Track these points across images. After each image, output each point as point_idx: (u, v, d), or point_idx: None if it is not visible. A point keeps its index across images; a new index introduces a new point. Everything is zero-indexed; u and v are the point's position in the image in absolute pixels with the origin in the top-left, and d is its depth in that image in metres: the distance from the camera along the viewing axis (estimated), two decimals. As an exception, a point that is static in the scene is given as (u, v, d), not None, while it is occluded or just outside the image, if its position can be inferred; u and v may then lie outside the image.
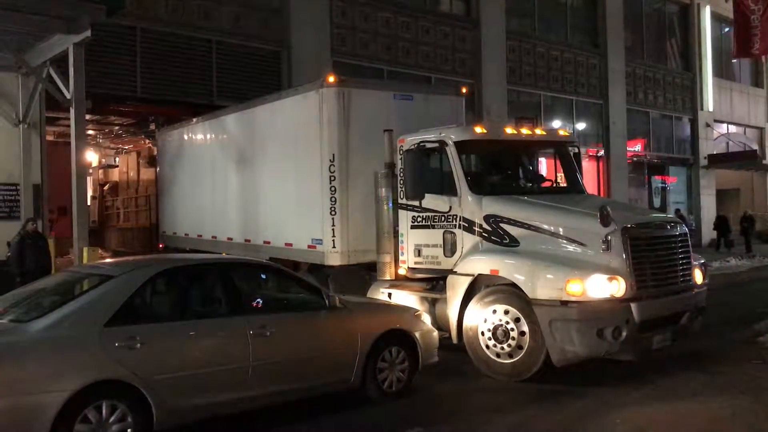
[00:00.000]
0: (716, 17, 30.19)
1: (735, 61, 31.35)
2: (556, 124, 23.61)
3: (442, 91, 12.06)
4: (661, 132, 28.54)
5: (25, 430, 5.07)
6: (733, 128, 32.13)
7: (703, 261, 8.76)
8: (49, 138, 15.74)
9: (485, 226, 8.35)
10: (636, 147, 27.08)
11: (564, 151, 9.85)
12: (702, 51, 29.42)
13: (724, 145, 31.32)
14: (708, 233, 28.92)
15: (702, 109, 29.46)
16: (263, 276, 7.72)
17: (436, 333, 7.92)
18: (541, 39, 23.45)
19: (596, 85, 25.08)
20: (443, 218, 8.74)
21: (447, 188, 8.70)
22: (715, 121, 30.30)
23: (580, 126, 24.92)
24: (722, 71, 31.23)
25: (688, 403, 7.01)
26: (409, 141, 9.03)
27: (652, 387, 7.51)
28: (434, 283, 9.07)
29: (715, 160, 29.66)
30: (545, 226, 8.02)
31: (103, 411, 5.33)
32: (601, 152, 25.35)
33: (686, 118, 29.36)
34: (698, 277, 8.41)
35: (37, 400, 5.09)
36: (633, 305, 7.43)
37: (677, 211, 25.96)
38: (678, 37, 29.34)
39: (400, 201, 9.17)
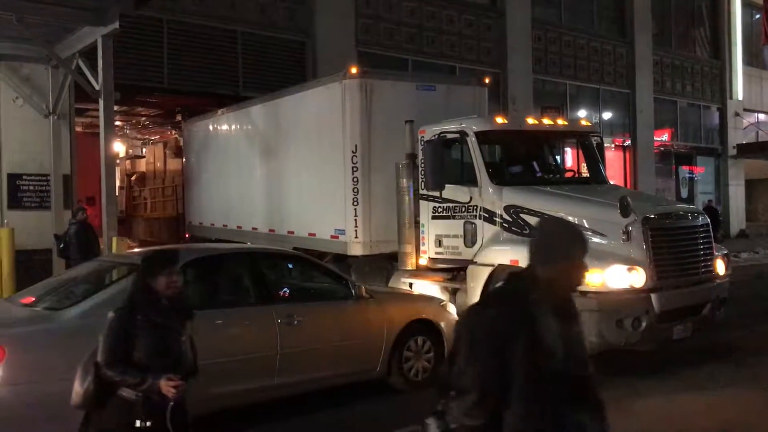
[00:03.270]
0: (747, 4, 29.64)
1: (766, 48, 30.76)
2: (582, 113, 23.47)
3: (465, 81, 12.04)
4: (689, 121, 28.18)
5: (60, 416, 5.10)
6: (763, 117, 31.59)
7: (725, 252, 8.72)
8: (78, 129, 16.00)
9: (505, 216, 8.38)
10: (663, 137, 26.78)
11: (586, 141, 9.82)
12: (732, 39, 28.93)
13: (753, 134, 30.84)
14: (737, 224, 28.58)
15: (731, 97, 29.01)
16: (290, 266, 7.80)
17: None
18: (567, 28, 23.27)
19: (623, 74, 24.84)
20: (464, 209, 8.79)
21: (467, 179, 8.75)
22: (745, 110, 29.81)
23: (607, 115, 24.72)
24: (752, 59, 30.71)
25: (715, 394, 6.99)
26: (430, 131, 9.08)
27: (679, 378, 7.50)
28: (455, 273, 9.13)
29: (745, 150, 29.20)
30: (565, 217, 8.00)
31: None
32: (628, 142, 25.14)
33: (714, 107, 28.95)
34: (720, 267, 8.37)
35: (71, 386, 5.22)
36: (653, 296, 7.43)
37: (709, 201, 25.58)
38: (707, 24, 28.90)
39: (421, 191, 9.24)
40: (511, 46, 21.16)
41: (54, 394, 5.12)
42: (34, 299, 6.19)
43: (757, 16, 29.83)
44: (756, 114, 31.00)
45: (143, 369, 3.57)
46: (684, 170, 28.13)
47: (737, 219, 28.76)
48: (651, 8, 25.59)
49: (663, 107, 26.55)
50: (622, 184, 24.32)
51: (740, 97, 29.27)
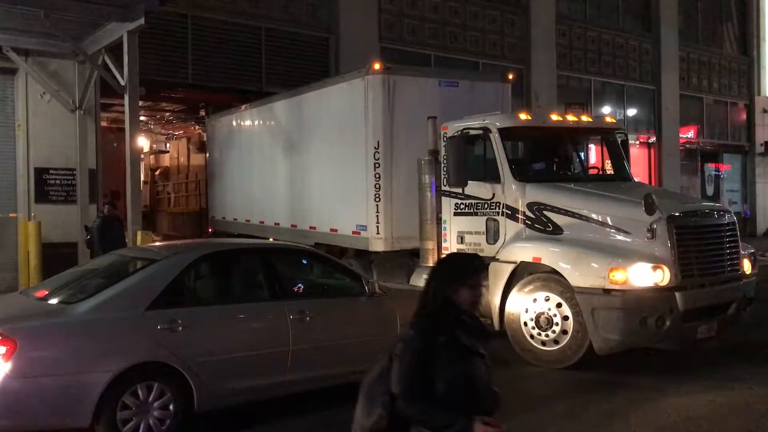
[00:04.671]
0: (776, -1, 29.18)
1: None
2: (607, 110, 23.26)
3: (488, 77, 11.98)
4: (715, 118, 27.78)
5: (71, 409, 5.24)
6: (792, 114, 31.09)
7: (752, 250, 8.61)
8: (103, 124, 16.16)
9: (528, 213, 8.35)
10: (689, 133, 26.43)
11: (610, 139, 9.74)
12: (761, 34, 28.44)
13: (782, 131, 30.35)
14: (764, 223, 28.15)
15: (759, 94, 28.54)
16: (304, 261, 7.75)
17: None
18: (592, 23, 23.05)
19: (648, 70, 24.55)
20: (486, 205, 8.76)
21: (490, 175, 8.71)
22: (773, 106, 29.37)
23: (631, 112, 24.48)
24: (782, 55, 30.20)
25: (743, 395, 6.89)
26: (453, 128, 9.06)
27: (706, 378, 7.41)
28: (477, 269, 9.08)
29: (772, 148, 28.79)
30: (589, 215, 7.98)
31: (146, 392, 5.49)
32: (653, 139, 24.85)
33: (742, 103, 28.49)
34: (747, 266, 8.27)
35: (83, 380, 5.27)
36: (677, 294, 7.37)
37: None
38: (735, 20, 28.44)
39: (443, 188, 9.22)
40: (535, 42, 21.01)
41: (64, 387, 5.22)
42: (47, 293, 6.21)
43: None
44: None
45: (446, 403, 2.89)
46: (710, 168, 27.74)
47: (764, 217, 28.32)
48: (678, 3, 25.27)
49: (689, 104, 26.20)
50: (646, 181, 24.06)
51: (768, 94, 28.85)
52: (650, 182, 24.10)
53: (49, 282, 6.69)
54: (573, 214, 8.05)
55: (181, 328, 5.71)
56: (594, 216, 7.96)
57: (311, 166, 12.03)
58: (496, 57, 20.33)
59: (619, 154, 9.65)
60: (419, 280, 9.66)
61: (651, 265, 7.30)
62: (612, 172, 9.72)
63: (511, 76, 11.40)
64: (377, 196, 10.05)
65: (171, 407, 5.58)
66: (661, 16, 24.63)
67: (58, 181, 13.33)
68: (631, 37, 24.11)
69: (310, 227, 11.83)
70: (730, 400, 6.77)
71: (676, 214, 7.65)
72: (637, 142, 24.41)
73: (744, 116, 28.69)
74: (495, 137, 8.69)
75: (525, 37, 20.94)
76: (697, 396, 6.85)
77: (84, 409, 5.21)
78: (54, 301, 5.98)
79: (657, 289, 7.33)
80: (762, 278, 14.83)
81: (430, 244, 9.44)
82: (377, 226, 10.07)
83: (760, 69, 28.48)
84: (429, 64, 18.38)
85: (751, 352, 8.54)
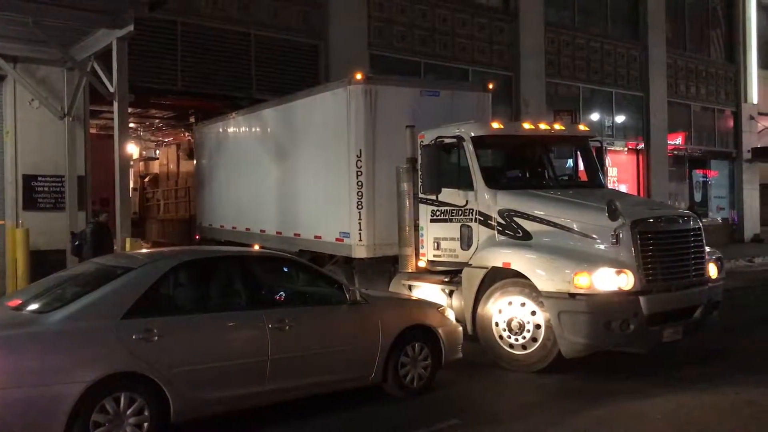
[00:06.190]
0: (762, 7, 29.29)
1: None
2: (595, 117, 23.53)
3: (469, 86, 12.22)
4: (703, 125, 27.98)
5: (42, 421, 5.14)
6: (778, 121, 31.33)
7: (719, 255, 8.81)
8: (92, 131, 16.22)
9: (500, 220, 8.56)
10: (677, 140, 26.67)
11: (584, 146, 9.93)
12: (747, 42, 28.67)
13: (768, 138, 30.59)
14: (751, 229, 28.38)
15: (746, 101, 28.76)
16: (284, 269, 7.67)
17: (460, 329, 7.90)
18: (580, 30, 23.26)
19: (636, 77, 24.79)
20: (460, 212, 8.97)
21: (464, 183, 8.91)
22: (760, 113, 29.47)
23: (620, 119, 24.70)
24: (768, 62, 30.49)
25: (730, 400, 6.96)
26: (428, 136, 9.26)
27: (692, 383, 7.49)
28: (452, 275, 9.29)
29: (759, 154, 28.92)
30: (557, 220, 8.17)
31: (121, 403, 5.39)
32: (641, 146, 25.07)
33: (729, 110, 28.73)
34: (713, 271, 8.48)
35: (55, 390, 5.17)
36: (642, 298, 7.57)
37: (692, 203, 25.46)
38: (722, 27, 28.67)
39: (420, 195, 9.41)
40: (524, 49, 21.22)
41: (36, 398, 5.11)
42: (20, 302, 6.09)
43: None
44: (771, 118, 30.74)
45: None
46: (698, 174, 28.00)
47: (752, 223, 28.56)
48: (665, 11, 25.52)
49: (677, 110, 26.42)
50: (635, 187, 24.35)
51: (755, 101, 29.01)
52: (638, 189, 24.36)
53: (23, 291, 6.57)
54: (541, 221, 8.26)
55: (157, 337, 5.63)
56: (561, 222, 8.15)
57: (297, 174, 12.18)
58: (485, 64, 20.54)
59: (591, 161, 9.85)
60: (398, 285, 9.87)
61: (615, 270, 7.50)
62: (585, 179, 9.92)
63: (491, 86, 11.56)
64: (359, 203, 10.21)
65: (146, 416, 5.51)
66: (648, 24, 24.88)
67: (46, 188, 13.31)
68: (619, 44, 24.34)
69: (295, 234, 11.97)
70: (717, 405, 6.81)
71: (640, 219, 7.85)
72: (626, 149, 24.68)
73: (731, 123, 28.92)
74: (468, 146, 8.90)
75: (514, 45, 21.16)
76: (683, 401, 6.91)
77: (56, 420, 5.13)
78: (26, 310, 5.86)
79: (621, 294, 7.52)
80: (748, 284, 15.11)
81: (409, 251, 9.62)
82: (360, 233, 10.20)
83: (746, 76, 28.71)
84: (418, 71, 18.61)
85: (737, 357, 8.71)
